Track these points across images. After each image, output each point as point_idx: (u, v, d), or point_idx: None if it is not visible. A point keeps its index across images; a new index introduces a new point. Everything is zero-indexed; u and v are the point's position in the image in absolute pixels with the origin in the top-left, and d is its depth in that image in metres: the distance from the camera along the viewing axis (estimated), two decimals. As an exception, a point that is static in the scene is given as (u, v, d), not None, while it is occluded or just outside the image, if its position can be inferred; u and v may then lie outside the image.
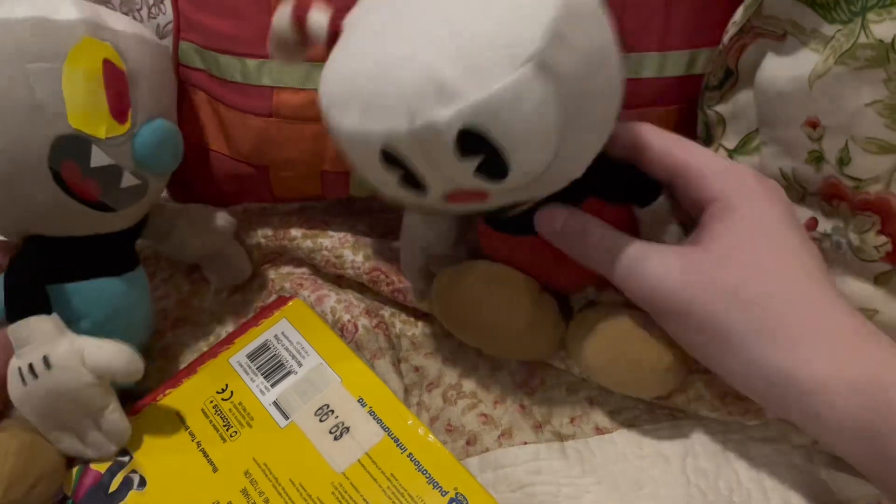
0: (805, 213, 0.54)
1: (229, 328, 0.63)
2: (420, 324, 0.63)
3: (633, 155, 0.47)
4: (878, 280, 0.51)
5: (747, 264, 0.42)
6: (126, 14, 0.69)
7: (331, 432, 0.50)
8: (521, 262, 0.51)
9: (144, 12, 0.70)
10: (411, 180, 0.39)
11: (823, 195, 0.51)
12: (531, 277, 0.52)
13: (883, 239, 0.49)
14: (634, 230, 0.49)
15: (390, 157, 0.38)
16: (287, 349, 0.55)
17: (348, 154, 0.41)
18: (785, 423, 0.53)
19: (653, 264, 0.44)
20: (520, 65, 0.34)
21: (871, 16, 0.44)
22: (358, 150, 0.40)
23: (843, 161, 0.49)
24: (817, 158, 0.50)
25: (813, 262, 0.43)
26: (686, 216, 0.49)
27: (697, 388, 0.54)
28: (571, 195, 0.45)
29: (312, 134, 0.57)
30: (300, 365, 0.54)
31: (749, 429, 0.53)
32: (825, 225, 0.53)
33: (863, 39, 0.44)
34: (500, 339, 0.54)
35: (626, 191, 0.48)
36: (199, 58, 0.59)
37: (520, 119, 0.35)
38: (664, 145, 0.46)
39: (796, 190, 0.53)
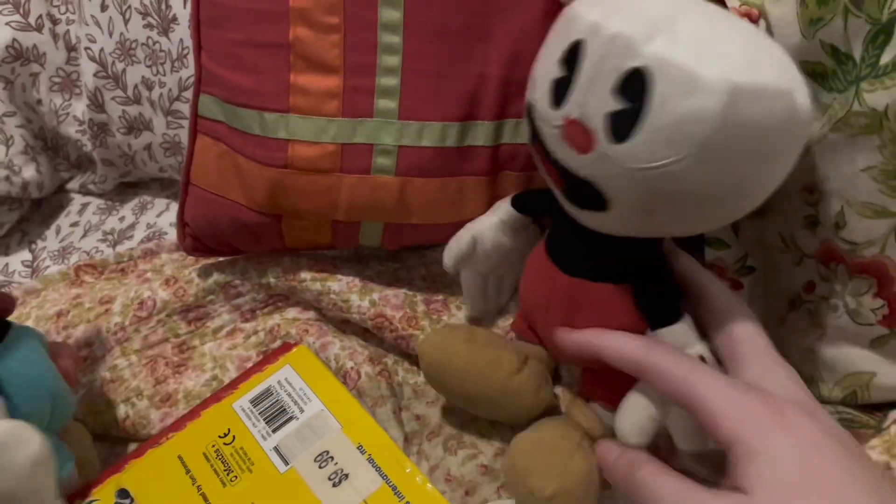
0: (803, 277, 0.53)
1: (231, 374, 0.62)
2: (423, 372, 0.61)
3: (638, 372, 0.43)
4: (875, 344, 0.50)
5: None
6: (150, 67, 0.69)
7: (329, 479, 0.49)
8: (547, 303, 0.50)
9: (168, 66, 0.70)
10: (562, 86, 0.40)
11: (821, 258, 0.51)
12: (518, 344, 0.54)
13: (879, 302, 0.48)
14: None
15: (572, 51, 0.39)
16: (290, 395, 0.54)
17: (548, 43, 0.42)
18: None
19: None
20: (724, 78, 0.34)
21: (864, 85, 0.43)
22: (562, 36, 0.41)
23: (839, 225, 0.48)
24: (813, 222, 0.50)
25: (865, 476, 0.37)
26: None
27: None
28: (608, 270, 0.46)
29: (325, 185, 0.57)
30: (302, 411, 0.52)
31: None
32: (823, 288, 0.52)
33: (857, 107, 0.44)
34: (481, 404, 0.54)
35: (646, 300, 0.46)
36: (219, 110, 0.59)
37: (683, 109, 0.35)
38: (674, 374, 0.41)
39: (794, 253, 0.52)
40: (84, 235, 0.77)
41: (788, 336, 0.55)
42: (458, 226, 0.58)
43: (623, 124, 0.37)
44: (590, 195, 0.41)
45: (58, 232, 0.78)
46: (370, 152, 0.56)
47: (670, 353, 0.41)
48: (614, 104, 0.37)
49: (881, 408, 0.54)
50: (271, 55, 0.55)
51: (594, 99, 0.38)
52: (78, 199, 0.81)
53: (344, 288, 0.62)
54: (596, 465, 0.47)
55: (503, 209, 0.55)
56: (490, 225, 0.55)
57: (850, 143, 0.45)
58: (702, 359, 0.42)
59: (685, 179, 0.37)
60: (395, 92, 0.55)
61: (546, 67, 0.41)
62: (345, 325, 0.64)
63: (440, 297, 0.64)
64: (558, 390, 0.58)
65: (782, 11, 0.47)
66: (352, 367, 0.58)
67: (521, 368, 0.52)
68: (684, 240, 0.48)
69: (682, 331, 0.44)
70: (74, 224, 0.78)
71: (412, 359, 0.62)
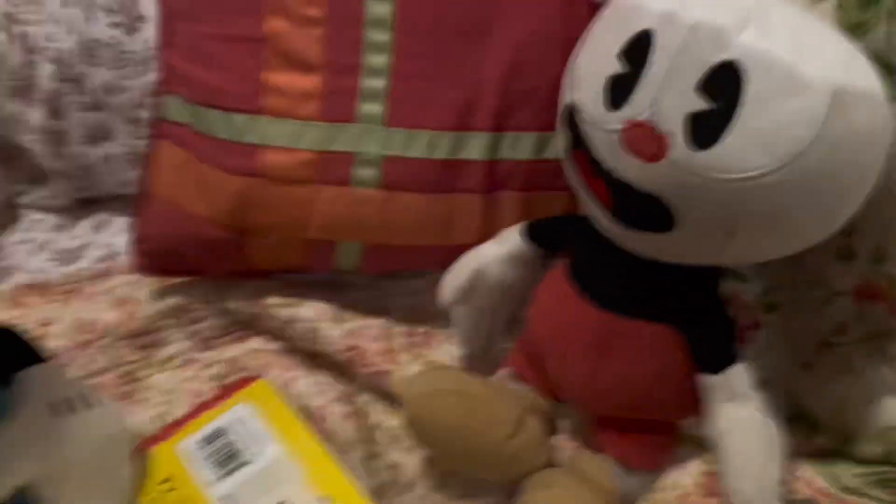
0: (835, 316, 0.48)
1: (182, 410, 0.53)
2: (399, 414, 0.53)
3: None
4: None
5: None
6: (114, 70, 0.63)
7: None
8: (570, 340, 0.45)
9: (133, 69, 0.64)
10: (624, 84, 0.34)
11: (857, 296, 0.46)
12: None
13: None
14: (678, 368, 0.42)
15: (636, 41, 0.34)
16: (245, 436, 0.46)
17: (596, 36, 0.38)
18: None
19: None
20: (825, 79, 0.31)
21: None
22: (618, 28, 0.36)
23: (878, 258, 0.44)
24: (847, 255, 0.45)
25: None
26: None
27: None
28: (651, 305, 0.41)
29: (299, 198, 0.50)
30: (258, 455, 0.45)
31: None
32: (858, 330, 0.46)
33: None
34: (471, 466, 0.48)
35: (701, 343, 0.41)
36: (184, 111, 0.53)
37: (782, 112, 0.31)
38: None
39: (824, 290, 0.48)
40: (31, 254, 0.69)
41: (816, 383, 0.49)
42: (446, 250, 0.52)
43: (708, 127, 0.32)
44: (652, 213, 0.35)
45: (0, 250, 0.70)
46: (351, 162, 0.49)
47: None
48: (698, 103, 0.32)
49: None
50: (242, 49, 0.49)
51: (671, 97, 0.32)
52: (30, 216, 0.74)
53: (314, 315, 0.55)
54: None
55: (513, 241, 0.49)
56: (496, 258, 0.48)
57: (891, 163, 0.40)
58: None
59: (778, 193, 0.32)
60: (381, 95, 0.49)
61: (597, 62, 0.36)
62: (314, 358, 0.56)
63: (423, 329, 0.57)
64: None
65: (819, 14, 0.42)
66: (318, 407, 0.51)
67: (519, 430, 0.46)
68: (696, 270, 0.42)
69: (738, 375, 0.39)
70: (22, 242, 0.71)
71: (388, 398, 0.54)
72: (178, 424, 0.47)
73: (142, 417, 0.52)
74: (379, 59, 0.48)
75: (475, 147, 0.50)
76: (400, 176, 0.49)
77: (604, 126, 0.35)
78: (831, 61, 0.31)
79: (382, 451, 0.51)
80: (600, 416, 0.48)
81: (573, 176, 0.40)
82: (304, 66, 0.48)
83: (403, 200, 0.50)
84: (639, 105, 0.33)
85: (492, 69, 0.49)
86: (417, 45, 0.49)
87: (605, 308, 0.42)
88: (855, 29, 0.40)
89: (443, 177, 0.50)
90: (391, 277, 0.61)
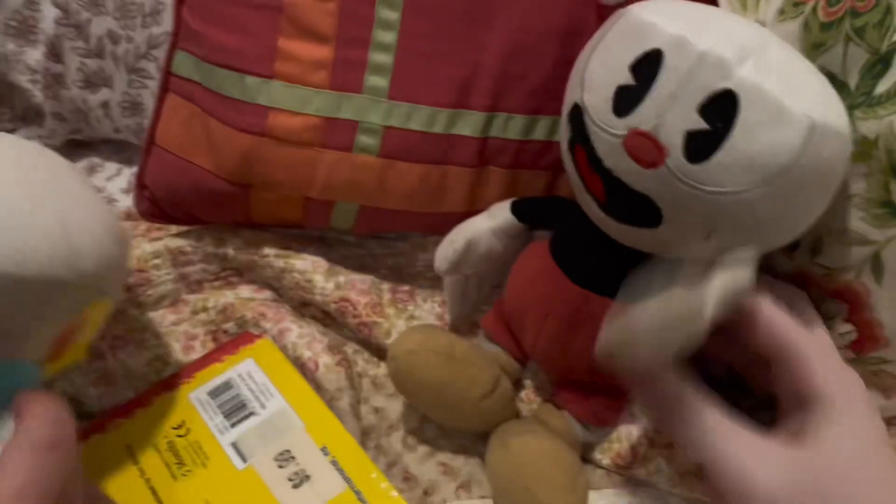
0: None
1: (178, 355, 0.53)
2: (383, 364, 0.54)
3: (740, 314, 0.38)
4: None
5: (861, 486, 0.34)
6: (119, 20, 0.59)
7: (290, 479, 0.42)
8: (547, 311, 0.45)
9: (138, 21, 0.61)
10: (631, 94, 0.34)
11: (793, 282, 0.46)
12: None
13: (849, 327, 0.44)
14: None
15: (647, 58, 0.34)
16: (251, 389, 0.46)
17: (609, 46, 0.37)
18: None
19: (751, 455, 0.35)
20: (805, 113, 0.32)
21: (857, 113, 0.40)
22: (631, 42, 0.36)
23: (815, 251, 0.44)
24: (791, 247, 0.45)
25: None
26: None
27: (658, 463, 0.49)
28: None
29: (303, 159, 0.49)
30: (263, 407, 0.45)
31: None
32: None
33: None
34: (444, 417, 0.49)
35: None
36: (194, 69, 0.51)
37: (765, 139, 0.32)
38: (777, 319, 0.38)
39: (767, 275, 0.48)
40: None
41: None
42: (434, 217, 0.52)
43: (702, 144, 0.33)
44: (641, 210, 0.36)
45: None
46: (354, 129, 0.48)
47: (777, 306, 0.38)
48: (697, 123, 0.33)
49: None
50: (261, 16, 0.48)
51: (674, 114, 0.33)
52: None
53: (309, 267, 0.54)
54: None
55: (502, 216, 0.49)
56: (487, 229, 0.48)
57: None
58: None
59: (753, 207, 0.33)
60: (387, 70, 0.48)
61: (609, 70, 0.36)
62: (303, 308, 0.56)
63: (406, 287, 0.56)
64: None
65: (785, 32, 0.43)
66: (309, 358, 0.50)
67: (494, 390, 0.47)
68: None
69: None
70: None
71: (373, 348, 0.55)
72: (186, 374, 0.47)
73: (141, 360, 0.51)
74: (388, 36, 0.47)
75: (469, 124, 0.49)
76: (399, 146, 0.49)
77: (609, 129, 0.35)
78: (812, 99, 0.33)
79: (368, 397, 0.52)
80: (562, 378, 0.49)
81: (570, 167, 0.40)
82: (317, 37, 0.47)
83: (400, 168, 0.49)
84: (645, 117, 0.34)
85: (491, 53, 0.49)
86: (423, 26, 0.48)
87: (582, 286, 0.43)
88: (817, 47, 0.41)
89: (438, 149, 0.50)
90: (377, 239, 0.60)
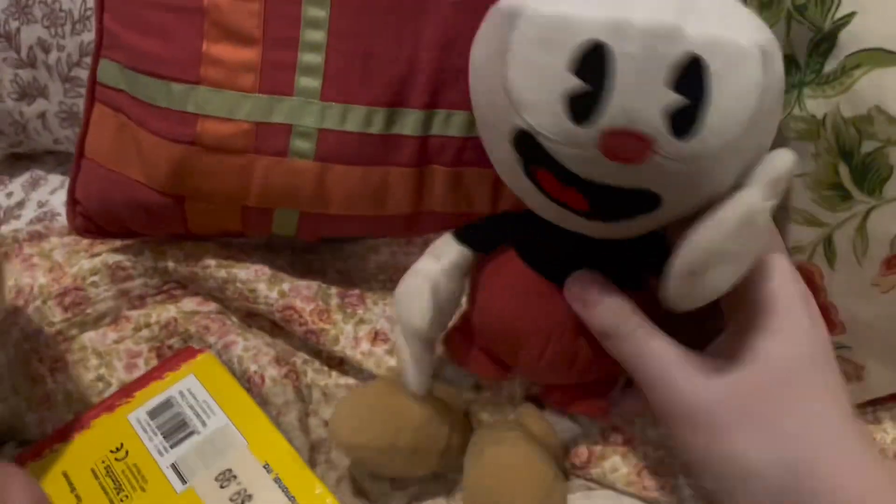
0: None
1: (120, 374, 0.51)
2: (333, 373, 0.53)
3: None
4: None
5: (787, 404, 0.34)
6: (48, 28, 0.57)
7: (231, 500, 0.40)
8: (548, 332, 0.41)
9: (68, 28, 0.58)
10: (584, 101, 0.31)
11: None
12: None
13: None
14: None
15: (588, 59, 0.30)
16: (192, 407, 0.44)
17: (525, 54, 0.32)
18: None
19: (689, 373, 0.35)
20: (754, 43, 0.30)
21: (807, 90, 0.39)
22: (551, 44, 0.31)
23: None
24: None
25: (847, 406, 0.35)
26: None
27: (614, 462, 0.47)
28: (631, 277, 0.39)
29: (237, 166, 0.47)
30: (205, 425, 0.43)
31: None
32: None
33: (797, 111, 0.40)
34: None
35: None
36: (121, 77, 0.49)
37: (737, 84, 0.30)
38: None
39: None
40: (-35, 211, 0.63)
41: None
42: (379, 220, 0.50)
43: (686, 116, 0.30)
44: (636, 202, 0.33)
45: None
46: (288, 133, 0.46)
47: None
48: (671, 98, 0.30)
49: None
50: (183, 20, 0.45)
51: (645, 100, 0.30)
52: (-39, 170, 0.67)
53: (251, 276, 0.52)
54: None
55: (453, 250, 0.42)
56: (440, 271, 0.42)
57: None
58: None
59: (740, 148, 0.32)
60: (318, 70, 0.46)
61: (542, 82, 0.32)
62: (250, 318, 0.54)
63: (356, 291, 0.54)
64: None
65: None
66: (255, 371, 0.49)
67: (442, 457, 0.45)
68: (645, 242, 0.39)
69: None
70: (-45, 197, 0.65)
71: (323, 357, 0.53)
72: (126, 394, 0.45)
73: (82, 382, 0.49)
74: (317, 35, 0.45)
75: (408, 123, 0.47)
76: (335, 148, 0.47)
77: (574, 141, 0.32)
78: (750, 26, 0.31)
79: (317, 409, 0.50)
80: (555, 385, 0.46)
81: (526, 191, 0.37)
82: (243, 39, 0.45)
83: (338, 172, 0.47)
84: (613, 115, 0.31)
85: (426, 47, 0.47)
86: (353, 23, 0.46)
87: None
88: None
89: (377, 150, 0.47)
90: (325, 242, 0.58)
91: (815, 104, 0.38)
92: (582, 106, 0.31)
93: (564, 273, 0.39)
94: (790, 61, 0.39)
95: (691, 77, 0.30)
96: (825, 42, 0.38)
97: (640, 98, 0.30)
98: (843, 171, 0.38)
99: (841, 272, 0.41)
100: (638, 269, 0.39)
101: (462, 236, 0.42)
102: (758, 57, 0.30)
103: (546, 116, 0.32)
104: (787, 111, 0.40)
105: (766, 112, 0.32)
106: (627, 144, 0.31)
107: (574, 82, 0.31)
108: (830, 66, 0.38)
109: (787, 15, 0.39)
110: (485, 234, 0.42)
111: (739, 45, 0.30)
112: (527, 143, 0.34)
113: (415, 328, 0.41)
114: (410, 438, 0.43)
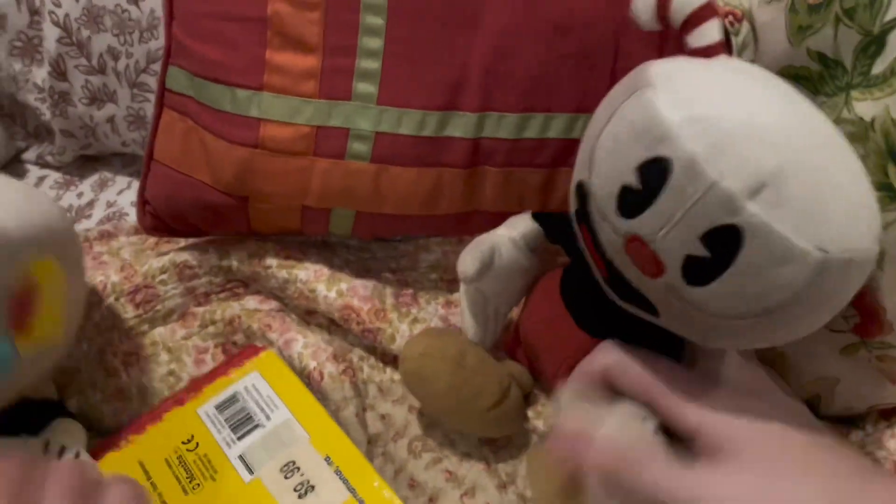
0: None
1: (189, 368, 0.52)
2: (388, 370, 0.53)
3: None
4: (845, 351, 0.45)
5: None
6: (117, 36, 0.59)
7: (295, 490, 0.41)
8: (562, 359, 0.43)
9: (136, 36, 0.60)
10: (636, 199, 0.32)
11: None
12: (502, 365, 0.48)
13: (851, 311, 0.43)
14: None
15: (654, 165, 0.31)
16: (256, 402, 0.45)
17: (621, 127, 0.33)
18: None
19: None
20: (816, 247, 0.29)
21: (855, 93, 0.38)
22: (641, 128, 0.31)
23: None
24: None
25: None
26: None
27: None
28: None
29: (297, 168, 0.48)
30: (269, 419, 0.44)
31: None
32: None
33: (845, 114, 0.39)
34: (452, 421, 0.48)
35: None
36: (188, 83, 0.50)
37: (767, 272, 0.30)
38: (627, 372, 0.37)
39: None
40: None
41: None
42: (431, 219, 0.51)
43: (701, 270, 0.31)
44: (641, 301, 0.35)
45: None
46: (346, 137, 0.47)
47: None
48: (698, 249, 0.30)
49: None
50: (247, 29, 0.46)
51: (676, 236, 0.31)
52: (34, 172, 0.70)
53: (311, 277, 0.53)
54: None
55: (524, 224, 0.46)
56: (509, 238, 0.46)
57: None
58: None
59: (749, 328, 0.32)
60: (374, 76, 0.47)
61: (615, 164, 0.33)
62: (308, 315, 0.55)
63: (410, 290, 0.55)
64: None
65: (770, 17, 0.42)
66: (314, 368, 0.50)
67: (502, 401, 0.46)
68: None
69: None
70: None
71: (378, 354, 0.54)
72: (194, 389, 0.46)
73: (155, 376, 0.51)
74: (374, 42, 0.46)
75: (460, 126, 0.48)
76: (390, 151, 0.48)
77: (611, 224, 0.33)
78: (832, 227, 0.29)
79: (374, 404, 0.51)
80: None
81: (576, 231, 0.38)
82: (303, 47, 0.46)
83: (393, 173, 0.48)
84: (646, 227, 0.31)
85: (478, 53, 0.47)
86: (408, 30, 0.46)
87: (592, 335, 0.41)
88: (804, 29, 0.39)
89: (430, 152, 0.48)
90: (379, 242, 0.59)
91: (864, 106, 0.38)
92: (630, 204, 0.32)
93: (588, 319, 0.42)
94: (836, 63, 0.38)
95: (725, 242, 0.30)
96: (873, 45, 0.37)
97: (671, 229, 0.30)
98: (892, 171, 0.37)
99: (889, 272, 0.40)
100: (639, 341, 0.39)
101: (538, 216, 0.46)
102: (811, 263, 0.29)
103: (604, 193, 0.33)
104: (836, 114, 0.39)
105: (794, 316, 0.31)
106: (644, 256, 0.32)
107: (633, 180, 0.31)
108: (878, 68, 0.37)
109: (834, 19, 0.38)
110: (557, 221, 0.45)
111: (791, 243, 0.29)
112: (582, 197, 0.35)
113: (464, 274, 0.44)
114: (476, 362, 0.45)
